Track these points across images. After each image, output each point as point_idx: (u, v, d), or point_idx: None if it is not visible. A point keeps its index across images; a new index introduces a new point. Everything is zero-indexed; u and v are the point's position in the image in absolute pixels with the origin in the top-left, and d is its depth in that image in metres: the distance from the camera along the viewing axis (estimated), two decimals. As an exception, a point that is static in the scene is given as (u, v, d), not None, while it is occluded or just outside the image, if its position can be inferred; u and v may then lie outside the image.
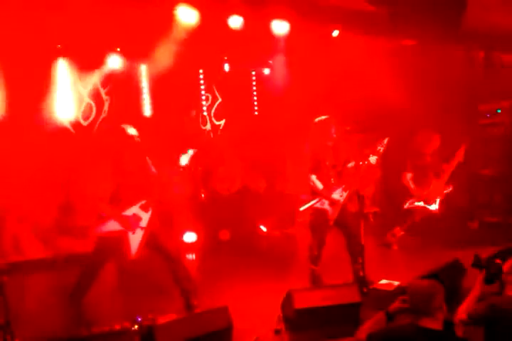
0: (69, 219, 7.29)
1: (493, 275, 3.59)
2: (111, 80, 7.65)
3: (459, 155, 7.11)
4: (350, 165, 5.56)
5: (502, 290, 3.49)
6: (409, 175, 7.25)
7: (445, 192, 7.22)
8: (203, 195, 8.52)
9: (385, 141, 5.44)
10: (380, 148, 5.45)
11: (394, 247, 7.43)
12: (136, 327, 4.52)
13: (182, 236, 7.87)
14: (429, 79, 8.87)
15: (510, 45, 8.26)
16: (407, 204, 7.33)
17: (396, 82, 9.11)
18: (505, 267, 3.53)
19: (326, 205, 5.51)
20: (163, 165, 5.13)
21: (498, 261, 3.66)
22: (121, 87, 7.77)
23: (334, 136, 5.51)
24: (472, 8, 6.65)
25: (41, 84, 6.98)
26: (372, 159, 5.42)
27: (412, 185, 7.23)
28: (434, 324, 2.96)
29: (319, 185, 5.52)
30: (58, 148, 7.03)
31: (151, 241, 4.95)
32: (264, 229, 8.68)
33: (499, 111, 8.71)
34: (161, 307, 5.10)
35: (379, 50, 8.52)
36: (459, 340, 3.03)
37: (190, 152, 4.89)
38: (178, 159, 4.89)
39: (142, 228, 4.86)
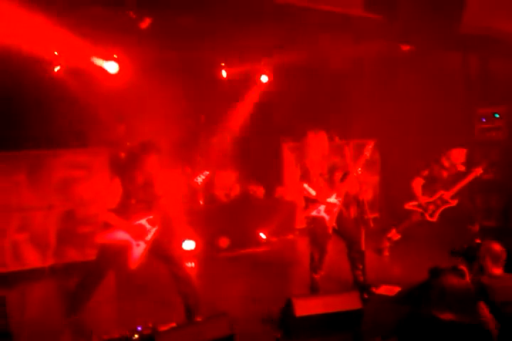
0: (70, 227, 7.27)
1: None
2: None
3: (476, 172, 7.11)
4: (338, 173, 5.64)
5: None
6: (420, 181, 7.25)
7: (448, 205, 7.20)
8: (201, 202, 8.51)
9: (370, 146, 5.60)
10: (367, 153, 5.60)
11: (385, 253, 7.41)
12: (136, 336, 4.50)
13: (181, 244, 7.84)
14: (427, 83, 8.91)
15: (507, 49, 8.30)
16: (408, 204, 7.33)
17: (393, 87, 9.16)
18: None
19: (323, 212, 5.51)
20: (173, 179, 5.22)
21: None
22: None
23: (325, 148, 5.56)
24: (469, 13, 6.68)
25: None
26: (361, 164, 5.59)
27: (419, 192, 7.22)
28: (452, 317, 3.05)
29: (312, 192, 5.53)
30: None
31: (152, 247, 4.93)
32: (263, 236, 8.66)
33: (497, 115, 8.74)
34: (161, 315, 5.07)
35: (377, 55, 8.55)
36: (471, 327, 3.05)
37: (206, 173, 4.99)
38: (194, 178, 5.00)
39: (146, 241, 4.86)
